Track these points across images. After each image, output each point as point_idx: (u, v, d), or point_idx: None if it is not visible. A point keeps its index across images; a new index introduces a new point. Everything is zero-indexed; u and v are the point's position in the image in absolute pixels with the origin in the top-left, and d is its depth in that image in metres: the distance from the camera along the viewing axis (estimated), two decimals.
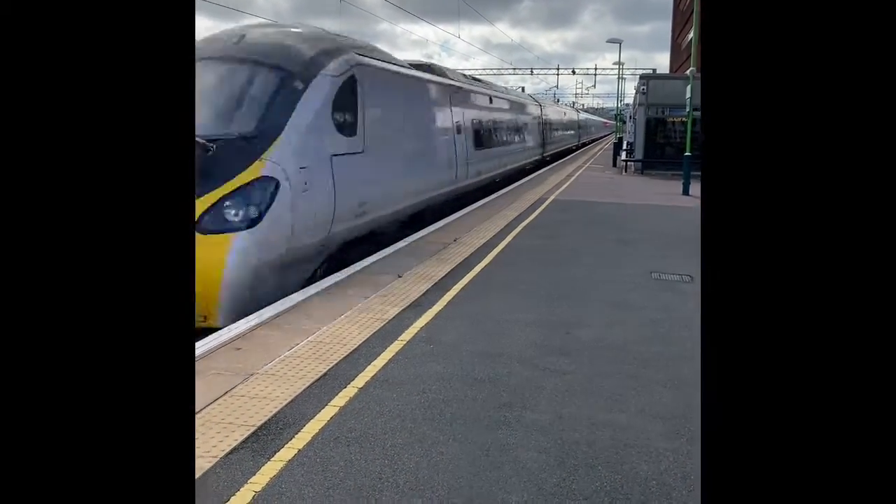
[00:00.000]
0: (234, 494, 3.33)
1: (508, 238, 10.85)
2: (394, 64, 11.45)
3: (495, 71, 64.91)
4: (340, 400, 4.48)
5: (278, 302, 6.79)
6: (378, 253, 9.48)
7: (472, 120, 16.67)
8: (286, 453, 3.75)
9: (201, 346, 5.38)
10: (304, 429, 4.05)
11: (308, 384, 4.71)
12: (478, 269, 8.56)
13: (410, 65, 13.11)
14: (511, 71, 76.96)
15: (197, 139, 6.56)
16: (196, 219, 6.43)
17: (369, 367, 5.07)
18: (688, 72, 19.97)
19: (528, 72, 70.97)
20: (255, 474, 3.53)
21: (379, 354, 5.35)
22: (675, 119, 25.78)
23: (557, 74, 71.02)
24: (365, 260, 8.98)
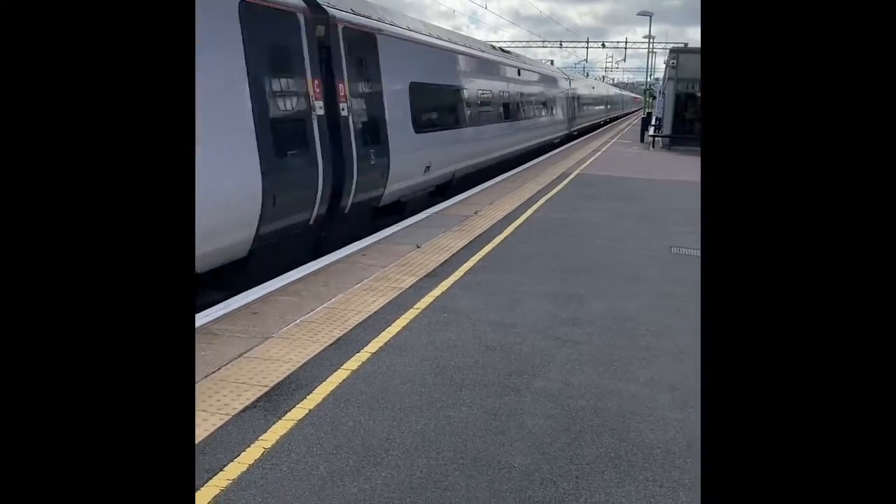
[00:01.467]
0: (244, 450, 3.43)
1: (529, 212, 10.82)
2: None
3: (524, 43, 64.09)
4: (353, 364, 4.56)
5: (296, 269, 6.88)
6: (398, 224, 9.54)
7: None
8: (297, 413, 3.84)
9: (220, 310, 5.49)
10: (316, 390, 4.14)
11: (322, 348, 4.79)
12: (496, 241, 8.58)
13: None
14: (540, 44, 75.85)
15: None
16: None
17: (383, 334, 5.14)
18: None
19: (558, 45, 69.97)
20: (265, 432, 3.62)
21: (393, 321, 5.42)
22: None
23: (587, 48, 69.95)
24: (385, 230, 9.04)
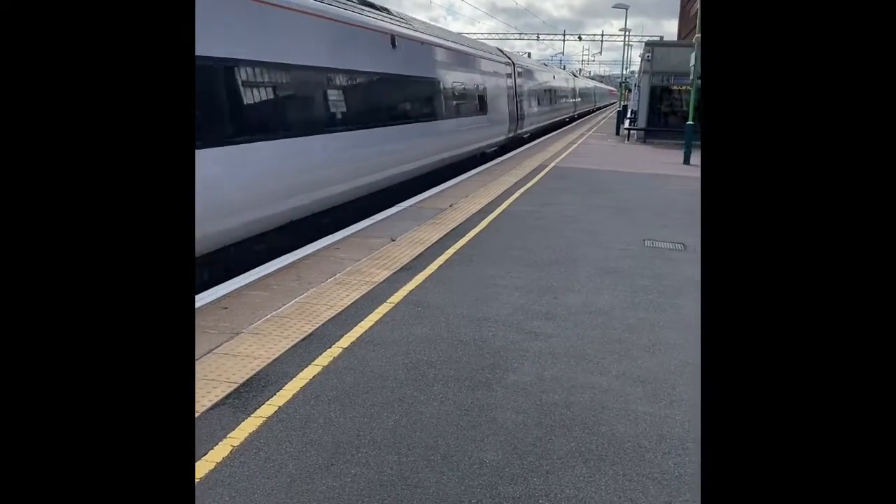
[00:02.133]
0: (212, 448, 3.38)
1: (504, 204, 10.82)
2: None
3: (501, 36, 64.01)
4: (324, 359, 4.52)
5: (268, 263, 6.81)
6: (373, 217, 9.48)
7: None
8: (266, 410, 3.80)
9: None
10: (287, 387, 4.09)
11: (293, 344, 4.74)
12: (472, 234, 8.56)
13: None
14: (517, 36, 75.81)
15: None
16: None
17: (355, 328, 5.10)
18: (694, 39, 19.70)
19: (535, 37, 70.02)
20: (234, 429, 3.57)
21: (366, 316, 5.38)
22: (680, 87, 25.51)
23: (563, 40, 70.15)
24: (359, 223, 8.98)
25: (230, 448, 3.40)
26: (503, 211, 10.27)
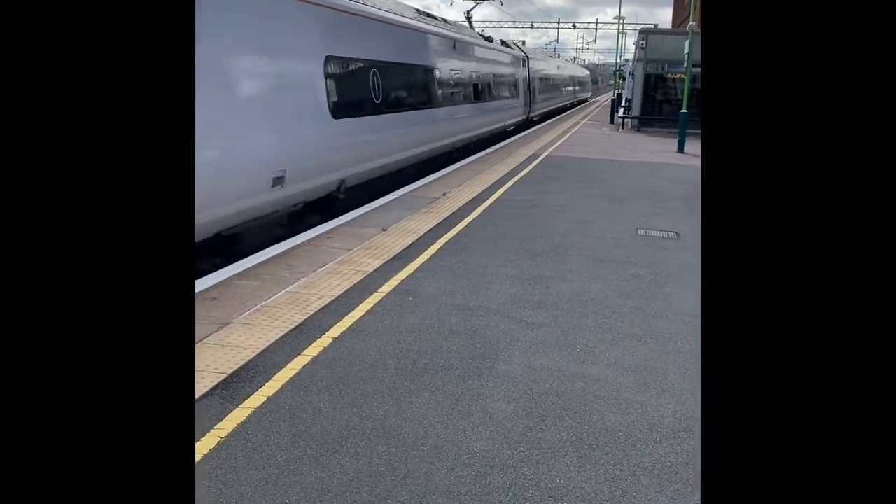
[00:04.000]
0: (199, 440, 3.34)
1: (497, 193, 10.78)
2: None
3: (496, 23, 63.71)
4: (314, 349, 4.48)
5: (258, 253, 6.77)
6: (365, 206, 9.43)
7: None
8: (255, 401, 3.77)
9: None
10: (275, 377, 4.06)
11: (283, 334, 4.71)
12: (464, 223, 8.52)
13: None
14: (511, 24, 75.52)
15: None
16: None
17: (346, 318, 5.06)
18: (688, 27, 19.61)
19: (529, 25, 69.78)
20: (221, 420, 3.54)
21: (357, 306, 5.34)
22: (674, 75, 25.44)
23: (558, 28, 69.83)
24: (351, 213, 8.94)
25: (217, 440, 3.37)
26: (496, 200, 10.23)
